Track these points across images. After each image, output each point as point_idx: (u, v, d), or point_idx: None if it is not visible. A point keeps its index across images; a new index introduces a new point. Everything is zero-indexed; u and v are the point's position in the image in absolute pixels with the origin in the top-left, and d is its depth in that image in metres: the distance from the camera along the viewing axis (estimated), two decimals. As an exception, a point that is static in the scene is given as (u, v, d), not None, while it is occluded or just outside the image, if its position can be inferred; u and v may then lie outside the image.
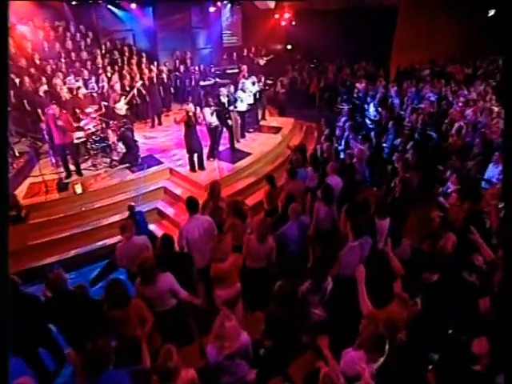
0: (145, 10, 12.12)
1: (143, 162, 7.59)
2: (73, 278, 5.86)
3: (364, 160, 6.61)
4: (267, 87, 9.69)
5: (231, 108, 8.07)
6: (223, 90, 7.59)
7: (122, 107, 8.09)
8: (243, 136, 8.81)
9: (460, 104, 9.73)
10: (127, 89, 9.09)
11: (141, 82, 8.94)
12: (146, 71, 10.50)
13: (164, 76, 10.96)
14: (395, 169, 5.99)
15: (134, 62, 10.94)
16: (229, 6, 13.85)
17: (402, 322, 2.76)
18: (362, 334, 2.69)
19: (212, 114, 7.05)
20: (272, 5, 12.52)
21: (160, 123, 10.23)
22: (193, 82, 11.53)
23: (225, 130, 7.82)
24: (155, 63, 11.24)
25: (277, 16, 16.30)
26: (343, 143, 7.17)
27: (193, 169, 7.11)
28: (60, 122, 6.18)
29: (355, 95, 11.30)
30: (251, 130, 9.34)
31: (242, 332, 2.77)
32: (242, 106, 8.39)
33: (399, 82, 12.08)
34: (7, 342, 1.58)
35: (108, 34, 11.83)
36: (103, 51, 10.91)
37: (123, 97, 8.07)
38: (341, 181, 5.40)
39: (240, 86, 8.56)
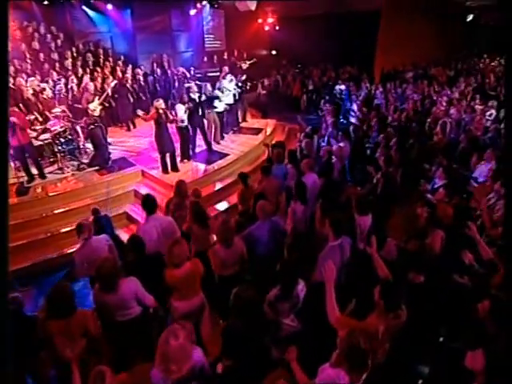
0: (122, 12, 11.71)
1: (114, 165, 7.08)
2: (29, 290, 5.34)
3: (344, 158, 6.22)
4: (247, 87, 9.31)
5: (208, 108, 7.66)
6: (193, 86, 7.15)
7: (95, 108, 7.54)
8: (222, 137, 8.38)
9: (444, 103, 9.55)
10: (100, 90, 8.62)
11: (115, 82, 8.45)
12: (120, 74, 10.16)
13: (140, 78, 10.54)
14: (379, 166, 5.60)
15: (108, 64, 10.56)
16: (208, 8, 13.56)
17: (383, 335, 2.31)
18: (340, 349, 2.23)
19: (185, 111, 6.59)
20: (253, 6, 12.26)
21: (134, 126, 9.77)
22: (176, 84, 11.11)
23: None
24: (130, 66, 10.83)
25: (260, 21, 16.16)
26: (326, 141, 6.79)
27: (165, 170, 6.61)
28: (14, 119, 5.64)
29: (338, 96, 11.03)
30: (231, 132, 8.92)
31: (193, 349, 2.28)
32: (219, 106, 7.97)
33: (383, 84, 11.89)
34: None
35: (84, 36, 11.36)
36: (75, 53, 10.45)
37: (97, 97, 7.55)
38: (318, 179, 4.97)
39: (217, 85, 8.15)
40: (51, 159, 7.11)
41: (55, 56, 9.87)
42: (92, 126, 6.92)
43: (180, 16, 12.81)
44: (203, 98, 7.13)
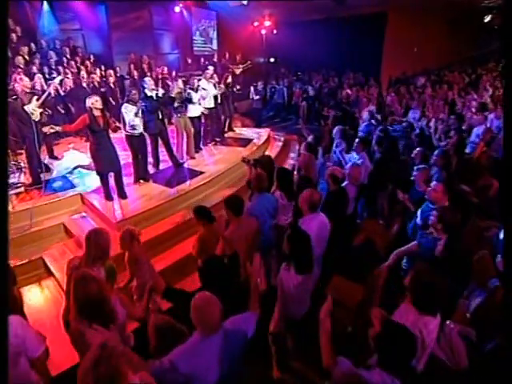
0: (96, 8, 9.88)
1: (45, 186, 5.04)
2: None
3: (359, 180, 4.13)
4: (234, 89, 7.31)
5: (177, 112, 5.68)
6: (149, 81, 5.14)
7: (33, 111, 5.56)
8: (198, 150, 6.35)
9: (473, 109, 7.58)
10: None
11: (60, 78, 6.48)
12: (84, 74, 8.33)
13: (110, 80, 8.64)
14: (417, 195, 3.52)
15: (73, 64, 8.71)
16: (198, 8, 11.74)
17: None
18: None
19: (137, 114, 4.57)
20: (245, 1, 10.44)
21: (117, 130, 7.76)
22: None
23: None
24: (102, 67, 9.02)
25: (256, 24, 14.41)
26: (334, 156, 4.68)
27: (108, 197, 4.55)
28: None
29: (344, 101, 9.06)
30: (211, 143, 6.89)
31: None
32: (194, 111, 5.97)
33: (397, 90, 9.95)
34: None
35: (49, 33, 9.52)
36: (34, 50, 8.61)
37: (35, 97, 5.55)
38: (328, 221, 2.90)
39: (191, 83, 6.17)
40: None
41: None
42: (10, 100, 4.90)
43: (163, 13, 10.94)
44: (160, 93, 5.10)
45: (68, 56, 9.02)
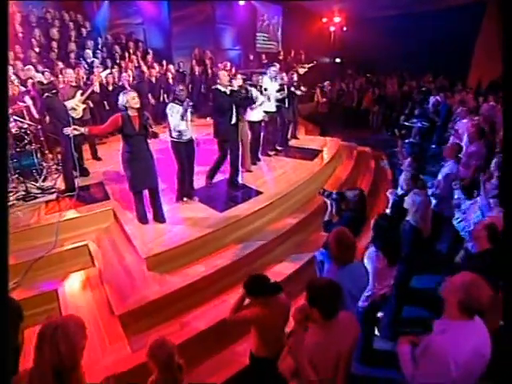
0: (159, 2, 9.28)
1: (80, 193, 4.24)
2: None
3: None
4: (301, 90, 6.03)
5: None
6: (223, 76, 3.98)
7: (77, 107, 4.88)
8: (256, 161, 5.20)
9: None
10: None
11: (107, 72, 5.74)
12: (145, 69, 7.73)
13: (169, 76, 7.94)
14: None
15: (134, 58, 8.20)
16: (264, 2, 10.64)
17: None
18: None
19: (183, 116, 3.53)
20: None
21: (155, 136, 7.00)
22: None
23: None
24: (164, 62, 8.38)
25: (325, 20, 12.99)
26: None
27: (143, 219, 3.58)
28: None
29: (432, 110, 7.33)
30: (272, 153, 5.70)
31: None
32: (254, 114, 4.83)
33: (498, 97, 7.93)
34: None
35: (114, 27, 9.14)
36: (100, 45, 8.21)
37: (79, 92, 4.86)
38: (487, 332, 1.54)
39: (253, 80, 5.03)
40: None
41: (72, 46, 7.67)
42: (48, 94, 4.20)
43: (226, 7, 10.01)
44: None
45: (131, 50, 8.51)
